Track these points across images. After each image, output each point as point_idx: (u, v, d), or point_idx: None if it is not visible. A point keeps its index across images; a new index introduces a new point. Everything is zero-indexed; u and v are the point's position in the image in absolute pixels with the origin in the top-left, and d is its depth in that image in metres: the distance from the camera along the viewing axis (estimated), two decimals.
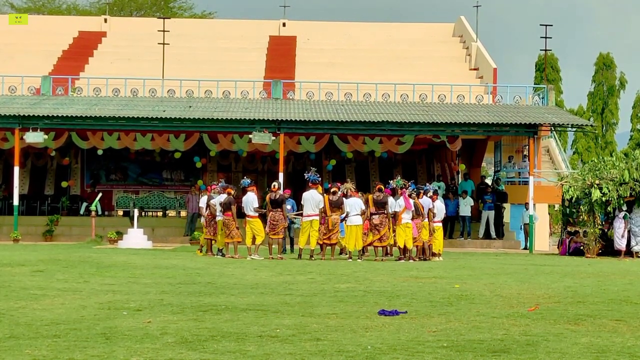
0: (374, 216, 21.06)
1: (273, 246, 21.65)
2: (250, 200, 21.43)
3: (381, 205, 21.07)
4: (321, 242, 21.42)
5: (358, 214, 21.02)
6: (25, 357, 7.54)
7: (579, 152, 54.56)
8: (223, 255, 21.41)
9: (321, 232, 21.29)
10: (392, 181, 21.66)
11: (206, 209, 22.26)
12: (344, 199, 21.24)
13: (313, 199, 21.27)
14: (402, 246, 21.19)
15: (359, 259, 20.91)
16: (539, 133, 29.14)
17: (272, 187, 21.75)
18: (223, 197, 21.62)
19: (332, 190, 21.45)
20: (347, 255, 21.22)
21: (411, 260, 20.92)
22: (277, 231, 21.40)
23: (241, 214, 22.03)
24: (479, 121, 28.35)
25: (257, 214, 21.44)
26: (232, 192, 21.62)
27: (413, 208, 21.18)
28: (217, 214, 21.70)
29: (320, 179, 22.23)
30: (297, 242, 23.23)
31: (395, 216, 21.10)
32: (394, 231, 21.26)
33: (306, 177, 22.07)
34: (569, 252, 26.14)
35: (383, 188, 21.38)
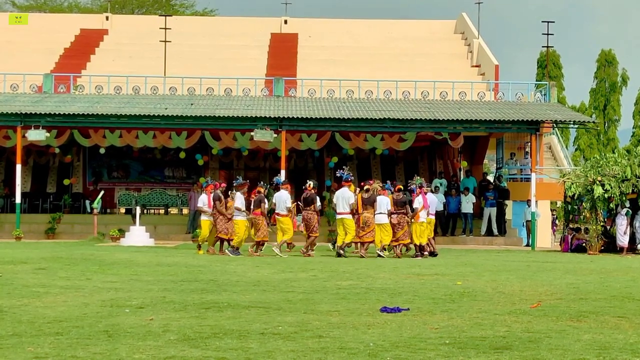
0: (393, 215, 21.31)
1: (313, 244, 21.87)
2: (284, 198, 21.49)
3: (401, 204, 21.40)
4: (356, 240, 21.62)
5: (384, 213, 21.22)
6: (28, 355, 7.54)
7: (581, 149, 54.58)
8: (234, 252, 21.20)
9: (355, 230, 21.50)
10: (411, 180, 22.22)
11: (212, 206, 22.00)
12: (377, 196, 21.41)
13: (344, 196, 21.35)
14: (417, 243, 21.57)
15: (380, 255, 21.11)
16: (541, 130, 29.14)
17: (308, 186, 21.85)
18: (239, 196, 21.38)
19: (365, 187, 21.63)
20: (379, 251, 21.42)
21: (425, 254, 21.37)
22: (311, 229, 21.54)
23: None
24: (481, 118, 28.34)
25: (287, 213, 21.49)
26: (262, 190, 21.61)
27: (429, 207, 21.67)
28: (237, 213, 21.42)
29: (352, 177, 22.30)
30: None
31: (414, 214, 21.49)
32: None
33: (338, 174, 22.19)
34: (571, 249, 26.14)
35: (402, 188, 21.69)
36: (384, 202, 21.30)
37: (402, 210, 21.31)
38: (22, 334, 8.60)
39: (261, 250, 21.43)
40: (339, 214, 21.31)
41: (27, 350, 7.75)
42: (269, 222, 21.94)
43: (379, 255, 21.04)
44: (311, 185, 21.85)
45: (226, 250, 21.37)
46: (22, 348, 7.84)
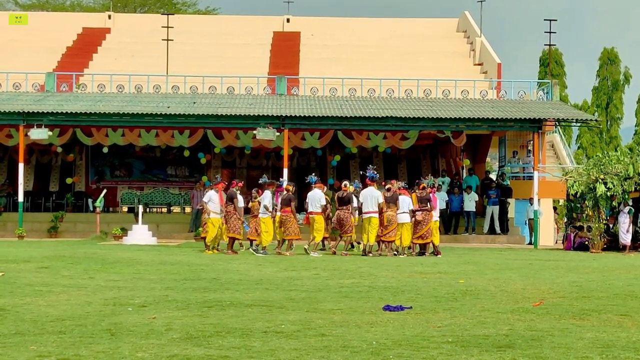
0: (417, 213, 21.44)
1: (348, 244, 21.97)
2: (318, 197, 21.52)
3: (425, 202, 21.54)
4: (378, 239, 21.65)
5: (406, 212, 21.34)
6: (31, 354, 7.55)
7: (583, 147, 54.51)
8: (262, 252, 21.03)
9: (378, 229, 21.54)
10: (424, 180, 22.44)
11: (227, 204, 21.52)
12: (398, 196, 21.48)
13: (372, 195, 21.39)
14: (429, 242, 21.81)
15: (403, 254, 21.25)
16: (544, 128, 29.11)
17: (344, 186, 22.03)
18: (267, 195, 21.33)
19: (386, 186, 21.73)
20: (400, 252, 21.55)
21: (438, 255, 21.35)
22: (346, 229, 21.57)
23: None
24: (484, 116, 28.32)
25: (321, 211, 21.53)
26: (291, 189, 21.58)
27: (439, 207, 22.08)
28: (263, 211, 21.32)
29: (378, 176, 22.36)
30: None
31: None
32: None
33: (365, 173, 22.25)
34: (574, 247, 26.14)
35: (425, 186, 21.81)
36: (406, 201, 21.45)
37: (427, 208, 21.46)
38: (25, 332, 8.61)
39: (292, 249, 21.36)
40: (367, 213, 21.33)
41: (30, 348, 7.76)
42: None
43: (396, 254, 21.19)
44: (347, 185, 21.96)
45: (250, 249, 21.25)
46: (25, 347, 7.85)
